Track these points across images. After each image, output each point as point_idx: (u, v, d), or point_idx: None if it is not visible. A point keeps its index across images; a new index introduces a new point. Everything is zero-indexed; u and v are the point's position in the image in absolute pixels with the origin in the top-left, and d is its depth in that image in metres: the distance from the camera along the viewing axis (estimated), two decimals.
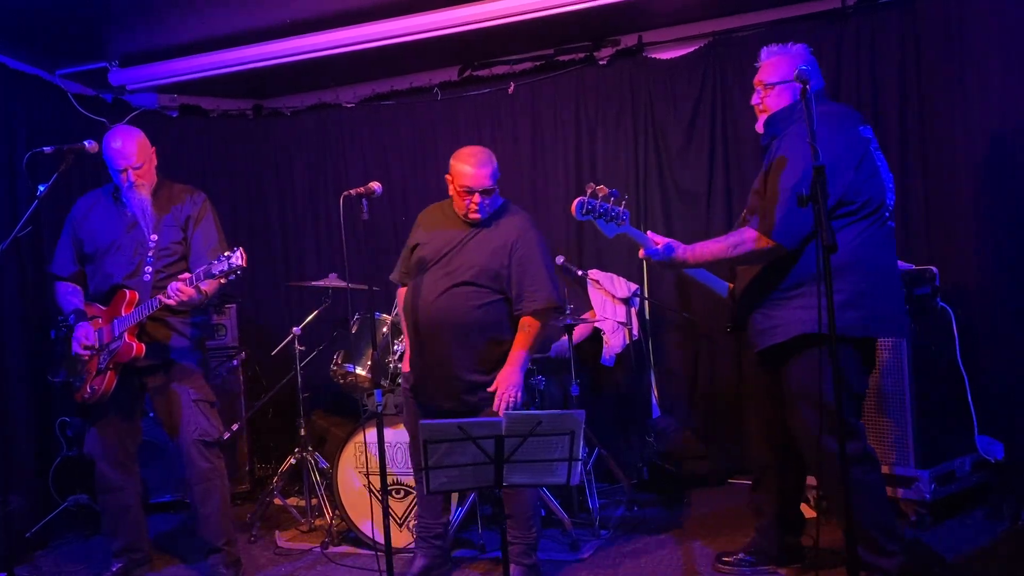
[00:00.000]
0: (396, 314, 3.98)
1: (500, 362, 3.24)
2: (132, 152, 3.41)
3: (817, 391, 2.73)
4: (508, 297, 3.28)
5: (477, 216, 3.27)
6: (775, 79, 2.94)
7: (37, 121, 4.67)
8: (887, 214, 2.93)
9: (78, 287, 3.56)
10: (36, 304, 4.51)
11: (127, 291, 3.39)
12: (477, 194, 3.22)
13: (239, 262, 3.10)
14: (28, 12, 4.15)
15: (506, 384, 3.19)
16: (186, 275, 3.25)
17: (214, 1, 4.26)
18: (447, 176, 3.32)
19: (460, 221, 3.34)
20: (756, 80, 3.02)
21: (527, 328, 3.24)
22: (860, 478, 2.80)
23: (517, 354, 3.22)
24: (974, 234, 3.97)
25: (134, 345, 3.34)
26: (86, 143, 3.31)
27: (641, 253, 2.93)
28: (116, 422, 3.51)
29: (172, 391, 3.46)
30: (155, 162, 3.54)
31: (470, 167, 3.21)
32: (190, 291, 3.21)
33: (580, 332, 4.53)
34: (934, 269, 3.90)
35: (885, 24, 4.44)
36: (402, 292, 3.48)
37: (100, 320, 3.42)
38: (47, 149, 3.27)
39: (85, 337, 3.37)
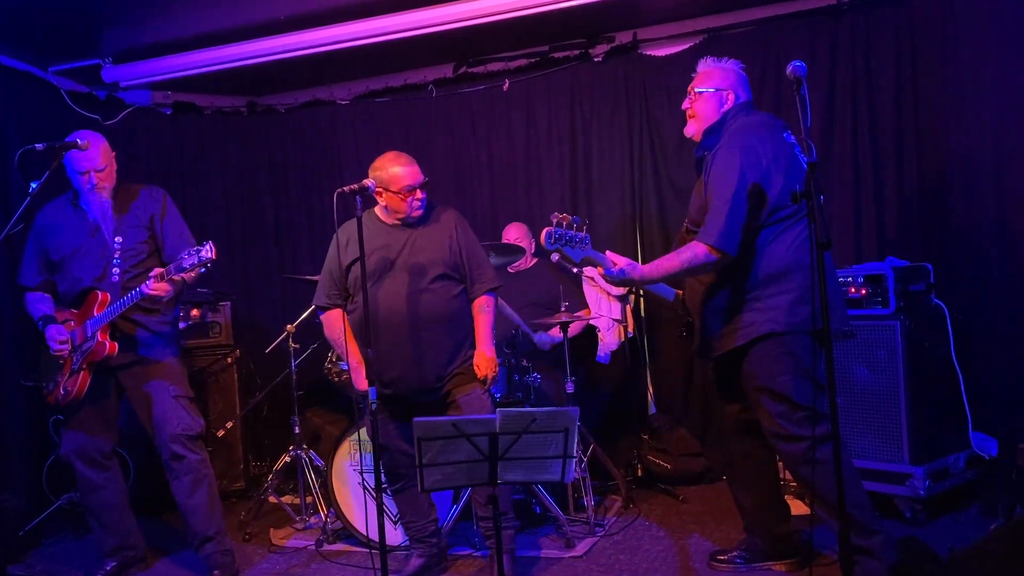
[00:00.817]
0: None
1: (472, 345, 3.37)
2: (96, 155, 3.44)
3: (776, 383, 2.90)
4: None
5: (419, 212, 3.35)
6: (704, 87, 3.13)
7: (30, 118, 4.65)
8: None
9: (47, 295, 3.59)
10: None
11: (99, 292, 3.41)
12: (417, 190, 3.32)
13: (209, 255, 3.13)
14: (21, 9, 4.13)
15: (487, 362, 3.32)
16: (158, 270, 3.26)
17: None
18: (377, 189, 3.27)
19: (389, 228, 3.38)
20: (689, 87, 3.19)
21: (486, 307, 3.41)
22: (828, 457, 2.83)
23: (487, 333, 3.38)
24: (969, 231, 3.97)
25: (107, 343, 3.36)
26: (78, 140, 3.31)
27: (600, 272, 3.03)
28: (91, 423, 3.52)
29: (149, 387, 3.48)
30: (115, 167, 3.57)
31: (402, 167, 3.30)
32: (165, 287, 3.24)
33: (571, 328, 4.51)
34: (929, 266, 3.91)
35: (880, 21, 4.44)
36: (333, 314, 3.43)
37: (72, 323, 3.44)
38: (39, 146, 3.26)
39: (59, 333, 3.41)
